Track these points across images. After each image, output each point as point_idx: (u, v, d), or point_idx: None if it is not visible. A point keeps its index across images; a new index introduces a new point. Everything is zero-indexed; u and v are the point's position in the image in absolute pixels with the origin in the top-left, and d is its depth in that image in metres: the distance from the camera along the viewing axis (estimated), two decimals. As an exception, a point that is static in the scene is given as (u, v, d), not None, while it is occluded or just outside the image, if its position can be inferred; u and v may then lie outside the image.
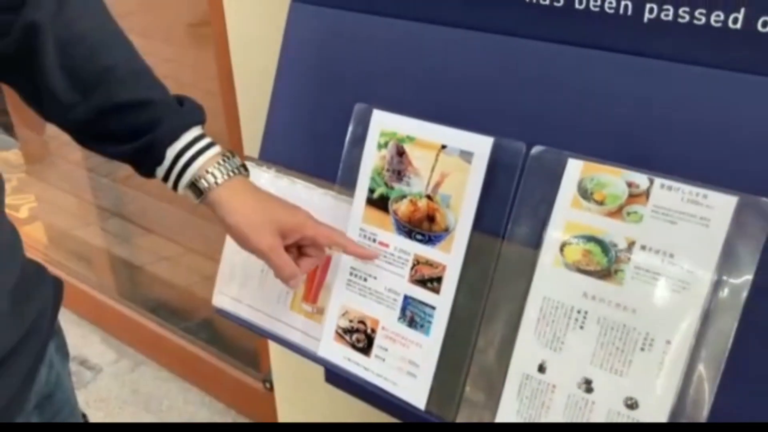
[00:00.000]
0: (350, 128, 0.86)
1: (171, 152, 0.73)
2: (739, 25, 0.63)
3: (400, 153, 0.82)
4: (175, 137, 0.73)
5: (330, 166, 0.88)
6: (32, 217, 2.78)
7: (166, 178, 0.75)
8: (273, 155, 0.96)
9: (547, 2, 0.72)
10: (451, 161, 0.78)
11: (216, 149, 0.76)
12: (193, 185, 0.74)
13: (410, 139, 0.81)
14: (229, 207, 0.75)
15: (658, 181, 0.66)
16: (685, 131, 0.67)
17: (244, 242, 0.76)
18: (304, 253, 0.82)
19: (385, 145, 0.83)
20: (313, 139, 0.92)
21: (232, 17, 1.14)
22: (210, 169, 0.74)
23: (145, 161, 0.74)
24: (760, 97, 0.63)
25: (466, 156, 0.76)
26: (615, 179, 0.68)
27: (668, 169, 0.66)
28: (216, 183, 0.74)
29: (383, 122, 0.83)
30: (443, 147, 0.78)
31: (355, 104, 0.85)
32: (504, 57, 0.77)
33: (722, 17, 0.63)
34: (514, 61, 0.76)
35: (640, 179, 0.67)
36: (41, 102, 0.71)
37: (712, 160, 0.66)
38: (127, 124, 0.72)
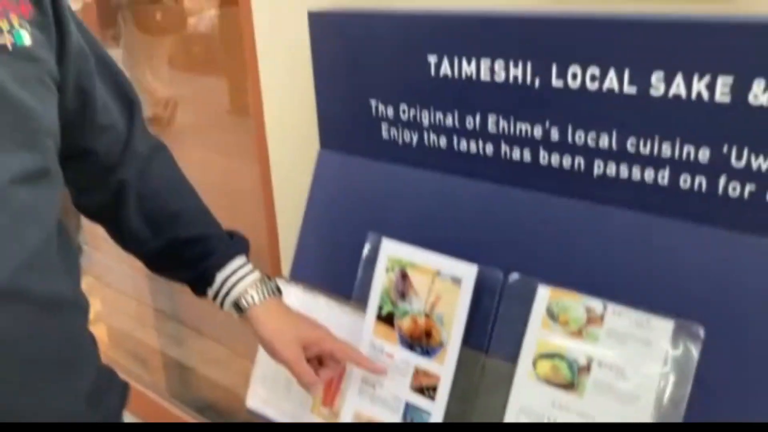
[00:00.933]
0: (364, 253, 1.01)
1: (220, 277, 0.90)
2: (666, 182, 0.77)
3: (404, 276, 0.96)
4: (223, 264, 0.91)
5: (347, 284, 1.03)
6: (97, 318, 3.01)
7: (214, 297, 0.92)
8: (301, 274, 1.12)
9: (518, 158, 0.88)
10: (444, 285, 0.92)
11: (256, 274, 0.92)
12: (236, 304, 0.91)
13: (411, 264, 0.96)
14: (263, 323, 0.90)
15: (611, 307, 0.78)
16: (636, 266, 0.80)
17: (273, 353, 0.91)
18: (323, 364, 0.96)
19: (392, 268, 0.98)
20: (334, 262, 1.08)
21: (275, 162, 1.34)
22: (250, 291, 0.91)
23: (200, 284, 0.92)
24: (692, 241, 0.76)
25: (456, 281, 0.90)
26: (576, 304, 0.81)
27: (620, 296, 0.79)
28: (254, 303, 0.90)
29: (390, 249, 0.98)
30: (438, 272, 0.93)
31: (368, 233, 1.01)
32: (488, 202, 0.92)
33: (652, 175, 0.78)
34: (498, 205, 0.92)
35: (597, 305, 0.79)
36: (123, 238, 0.90)
37: (654, 290, 0.78)
38: (188, 255, 0.90)
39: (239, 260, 0.92)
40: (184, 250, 0.90)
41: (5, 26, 0.67)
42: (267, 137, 1.31)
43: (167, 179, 0.92)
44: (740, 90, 0.70)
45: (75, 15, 0.79)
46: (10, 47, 0.67)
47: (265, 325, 0.90)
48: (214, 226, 0.94)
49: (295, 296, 1.08)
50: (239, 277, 0.91)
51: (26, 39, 0.68)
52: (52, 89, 0.73)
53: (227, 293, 0.90)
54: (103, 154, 0.86)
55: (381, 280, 0.99)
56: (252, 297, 0.90)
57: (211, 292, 0.91)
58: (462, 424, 0.88)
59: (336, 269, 1.08)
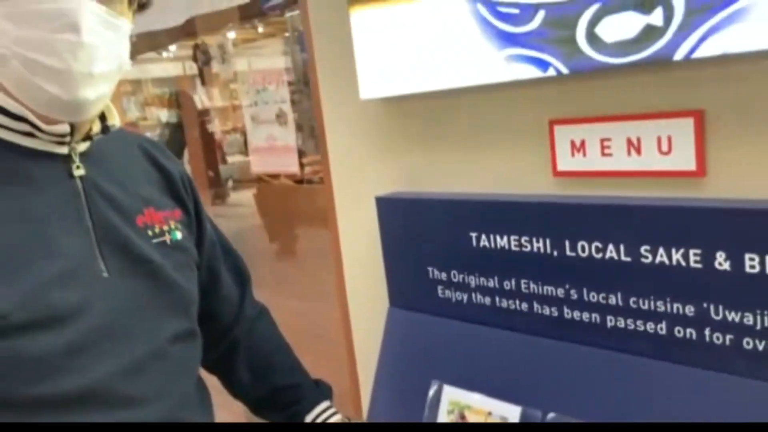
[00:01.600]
0: (428, 396, 1.20)
1: (308, 418, 1.11)
2: (664, 332, 0.94)
3: (462, 416, 1.14)
4: (311, 409, 1.11)
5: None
6: None
7: None
8: (377, 415, 1.31)
9: (548, 313, 1.07)
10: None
11: (338, 416, 1.13)
12: None
13: (468, 407, 1.14)
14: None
15: (631, 440, 0.93)
16: (643, 405, 0.95)
17: None
18: None
19: (453, 411, 1.16)
20: (404, 404, 1.27)
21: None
22: None
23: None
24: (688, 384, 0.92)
25: (504, 420, 1.07)
26: (602, 439, 0.96)
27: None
28: None
29: (451, 394, 1.17)
30: (489, 413, 1.10)
31: (431, 380, 1.20)
32: (525, 350, 1.11)
33: (653, 326, 0.95)
34: (534, 353, 1.10)
35: (619, 439, 0.94)
36: (232, 384, 1.13)
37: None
38: (283, 400, 1.12)
39: (324, 404, 1.12)
40: (280, 396, 1.11)
41: (166, 228, 0.88)
42: (348, 297, 1.56)
43: (268, 337, 1.16)
44: (708, 259, 0.88)
45: (207, 214, 1.03)
46: (169, 242, 0.88)
47: None
48: (304, 376, 1.15)
49: (374, 436, 1.27)
50: (324, 419, 1.11)
51: (179, 235, 0.90)
52: (194, 270, 0.94)
53: None
54: (222, 316, 1.09)
55: (444, 420, 1.16)
56: None
57: None
58: (462, 424, 1.00)
59: (405, 411, 1.26)
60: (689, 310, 0.92)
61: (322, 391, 1.15)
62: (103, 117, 0.83)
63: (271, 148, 1.87)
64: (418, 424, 1.16)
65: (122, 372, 0.78)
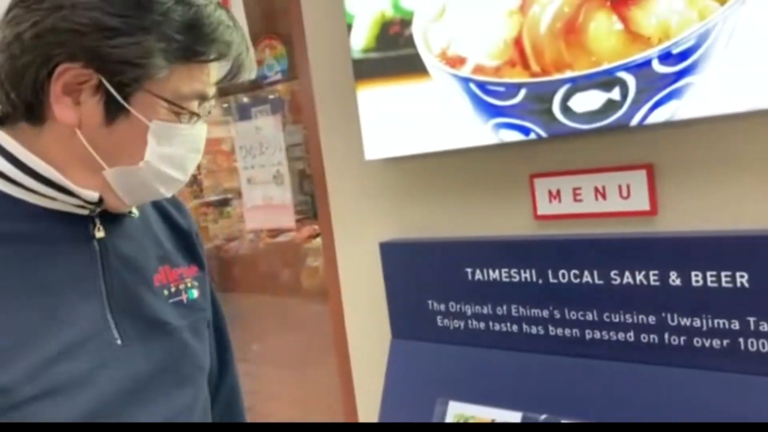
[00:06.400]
0: (435, 412, 1.39)
1: None
2: (632, 339, 1.18)
3: (466, 426, 1.34)
4: None
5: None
6: None
7: None
8: (387, 436, 1.49)
9: (535, 332, 1.30)
10: (496, 428, 1.29)
11: None
12: None
13: (472, 417, 1.33)
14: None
15: None
16: (620, 407, 1.18)
17: None
18: None
19: (458, 421, 1.35)
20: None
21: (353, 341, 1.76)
22: None
23: None
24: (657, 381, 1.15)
25: (505, 424, 1.28)
26: None
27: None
28: None
29: (456, 408, 1.36)
30: (493, 420, 1.30)
31: (437, 398, 1.40)
32: (517, 365, 1.32)
33: (623, 336, 1.19)
34: (526, 367, 1.32)
35: None
36: None
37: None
38: None
39: None
40: None
41: (182, 286, 0.85)
42: (347, 332, 1.74)
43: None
44: (663, 278, 1.13)
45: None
46: (185, 302, 0.84)
47: None
48: None
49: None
50: None
51: (195, 293, 0.87)
52: (206, 330, 0.90)
53: None
54: (210, 373, 0.95)
55: (449, 431, 1.36)
56: None
57: None
58: (462, 424, 1.18)
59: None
60: (651, 319, 1.16)
61: None
62: None
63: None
64: (419, 424, 1.34)
65: None
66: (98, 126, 0.70)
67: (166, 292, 0.82)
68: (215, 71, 0.75)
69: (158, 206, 0.89)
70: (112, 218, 0.78)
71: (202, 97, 0.75)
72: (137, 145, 0.72)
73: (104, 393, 0.72)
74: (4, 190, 0.71)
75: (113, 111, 0.70)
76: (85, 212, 0.75)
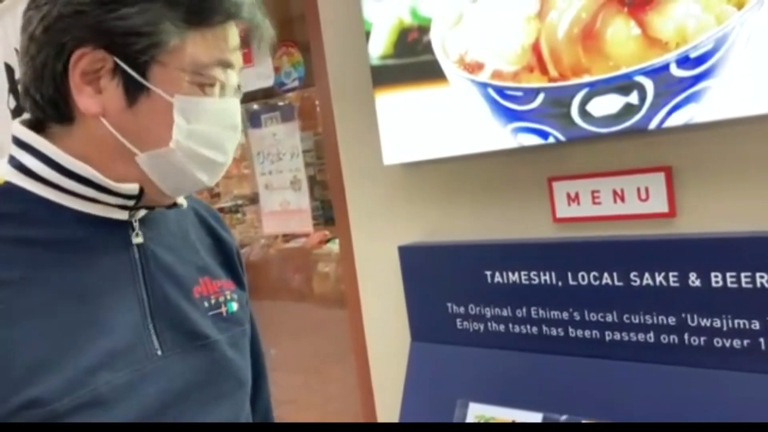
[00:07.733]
0: (455, 413, 1.41)
1: None
2: (652, 340, 1.19)
3: (487, 427, 1.35)
4: None
5: (445, 440, 1.41)
6: None
7: None
8: (407, 438, 1.50)
9: (555, 334, 1.31)
10: None
11: None
12: None
13: (493, 418, 1.35)
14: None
15: None
16: (639, 406, 1.19)
17: None
18: None
19: (479, 422, 1.36)
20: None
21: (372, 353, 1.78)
22: None
23: None
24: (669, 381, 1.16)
25: (526, 425, 1.29)
26: None
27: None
28: None
29: (476, 409, 1.38)
30: (513, 421, 1.31)
31: (457, 399, 1.41)
32: (538, 367, 1.34)
33: (642, 337, 1.20)
34: (547, 369, 1.33)
35: None
36: None
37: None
38: None
39: None
40: None
41: (222, 299, 0.83)
42: (366, 336, 1.76)
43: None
44: (683, 279, 1.15)
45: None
46: (225, 314, 0.82)
47: None
48: None
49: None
50: None
51: (234, 306, 0.85)
52: (247, 345, 0.88)
53: None
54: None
55: None
56: None
57: None
58: (462, 424, 1.19)
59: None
60: (671, 320, 1.17)
61: None
62: None
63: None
64: (420, 424, 1.35)
65: None
66: (122, 110, 0.69)
67: (206, 304, 0.81)
68: (232, 37, 0.72)
69: (199, 217, 0.89)
70: (151, 225, 0.77)
71: (225, 65, 0.72)
72: (164, 125, 0.70)
73: (144, 407, 0.70)
74: (44, 195, 0.70)
75: (133, 91, 0.69)
76: (125, 216, 0.74)
